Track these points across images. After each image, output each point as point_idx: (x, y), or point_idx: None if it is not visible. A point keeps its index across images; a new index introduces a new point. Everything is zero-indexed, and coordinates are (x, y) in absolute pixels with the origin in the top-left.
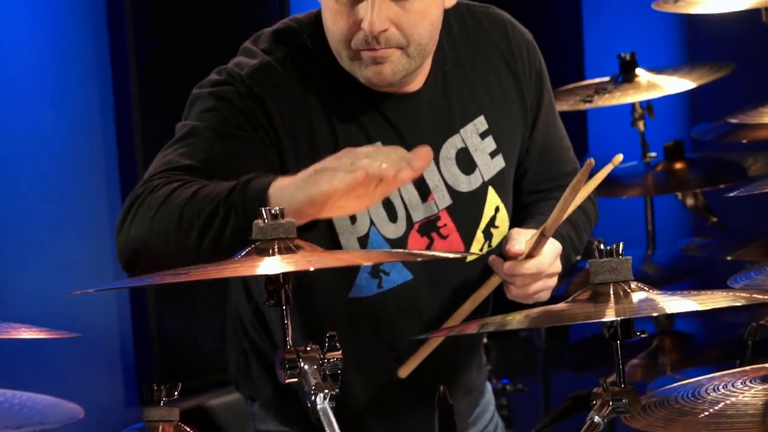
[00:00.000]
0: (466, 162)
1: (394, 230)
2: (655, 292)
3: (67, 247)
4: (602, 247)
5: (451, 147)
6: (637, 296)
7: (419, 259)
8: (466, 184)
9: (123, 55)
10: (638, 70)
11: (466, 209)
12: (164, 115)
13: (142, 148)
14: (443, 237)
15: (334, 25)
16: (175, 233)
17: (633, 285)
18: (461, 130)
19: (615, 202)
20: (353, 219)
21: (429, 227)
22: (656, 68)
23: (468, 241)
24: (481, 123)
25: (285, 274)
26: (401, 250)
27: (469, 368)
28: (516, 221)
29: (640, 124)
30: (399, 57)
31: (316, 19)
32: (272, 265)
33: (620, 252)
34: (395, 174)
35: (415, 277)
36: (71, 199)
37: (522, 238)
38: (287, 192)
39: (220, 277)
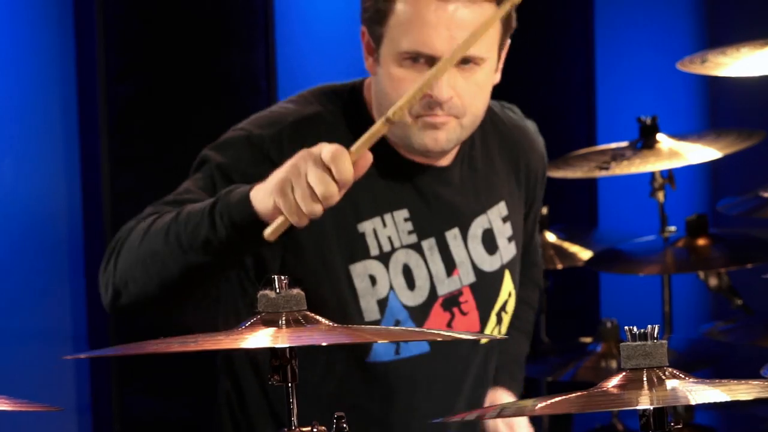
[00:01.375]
0: (490, 243)
1: (412, 297)
2: (690, 379)
3: (24, 311)
4: (635, 330)
5: (478, 226)
6: (671, 383)
7: (439, 339)
8: (489, 264)
9: (92, 100)
10: (659, 136)
11: (486, 289)
12: (136, 169)
13: (111, 206)
14: (463, 313)
15: (394, 91)
16: (162, 249)
17: (668, 371)
18: (488, 211)
19: (630, 280)
20: (373, 280)
21: (451, 302)
22: (678, 134)
23: (484, 321)
24: (502, 208)
25: (292, 348)
26: (415, 329)
27: None
28: None
29: (660, 195)
30: (455, 126)
31: (353, 89)
32: (282, 338)
33: (655, 336)
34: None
35: (432, 351)
36: (29, 259)
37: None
38: (265, 194)
39: (232, 347)
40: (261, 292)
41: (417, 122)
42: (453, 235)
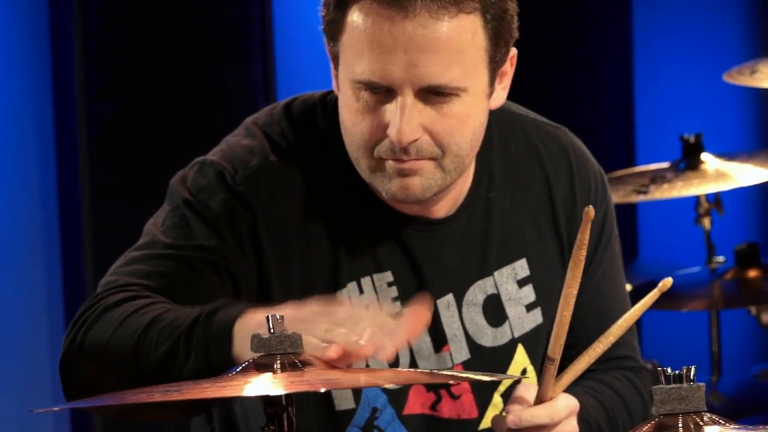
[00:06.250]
0: (495, 312)
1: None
2: (732, 426)
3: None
4: (669, 371)
5: (479, 291)
6: (710, 430)
7: (451, 382)
8: (491, 337)
9: (71, 121)
10: (704, 156)
11: (485, 367)
12: (118, 196)
13: (92, 240)
14: (453, 397)
15: (353, 126)
16: (131, 364)
17: (706, 417)
18: (495, 273)
19: (673, 317)
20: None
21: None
22: (726, 154)
23: (483, 405)
24: (521, 267)
25: (288, 395)
26: (441, 371)
27: None
28: None
29: (706, 222)
30: (432, 170)
31: (335, 104)
32: (272, 384)
33: (691, 377)
34: (374, 352)
35: None
36: (2, 300)
37: (528, 395)
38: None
39: (220, 396)
40: (253, 333)
41: (381, 166)
42: (445, 304)
